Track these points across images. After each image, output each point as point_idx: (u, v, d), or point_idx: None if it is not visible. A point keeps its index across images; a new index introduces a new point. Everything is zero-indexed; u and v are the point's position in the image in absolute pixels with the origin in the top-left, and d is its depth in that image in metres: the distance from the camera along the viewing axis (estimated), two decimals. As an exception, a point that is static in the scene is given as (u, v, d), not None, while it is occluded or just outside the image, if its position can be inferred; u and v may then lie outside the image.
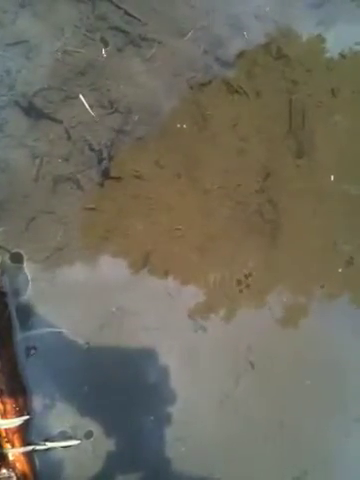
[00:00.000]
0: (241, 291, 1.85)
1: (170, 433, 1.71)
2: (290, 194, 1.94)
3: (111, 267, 1.72)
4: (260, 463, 1.79)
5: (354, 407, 1.87)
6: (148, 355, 1.73)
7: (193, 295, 1.79)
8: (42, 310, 1.58)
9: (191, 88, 1.79)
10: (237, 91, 1.89)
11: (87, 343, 1.57)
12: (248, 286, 1.86)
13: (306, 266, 1.93)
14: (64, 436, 1.54)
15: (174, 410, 1.72)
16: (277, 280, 1.89)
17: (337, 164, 1.97)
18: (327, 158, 1.97)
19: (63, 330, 1.52)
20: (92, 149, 1.64)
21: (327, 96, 2.00)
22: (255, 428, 1.80)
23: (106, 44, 1.60)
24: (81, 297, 1.66)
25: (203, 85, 1.82)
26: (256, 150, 1.91)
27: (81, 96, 1.56)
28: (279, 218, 1.92)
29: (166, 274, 1.77)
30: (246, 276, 1.83)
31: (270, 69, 1.94)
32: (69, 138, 1.62)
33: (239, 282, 1.84)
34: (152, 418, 1.65)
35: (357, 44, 2.10)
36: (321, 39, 2.05)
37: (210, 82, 1.85)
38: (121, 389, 1.69)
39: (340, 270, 1.91)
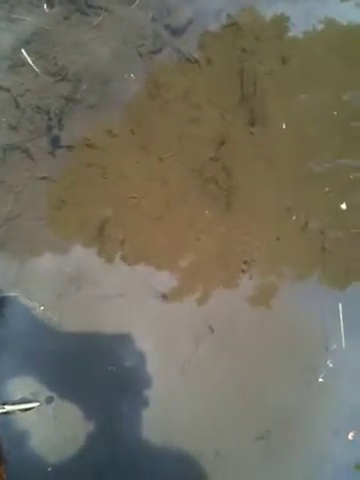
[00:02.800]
0: (198, 257, 1.93)
1: (132, 397, 1.78)
2: (244, 161, 2.03)
3: (66, 236, 1.78)
4: (222, 424, 1.87)
5: (316, 368, 1.93)
6: (108, 322, 1.81)
7: (150, 262, 1.87)
8: (-4, 279, 1.64)
9: (140, 56, 1.85)
10: (188, 59, 1.96)
11: (42, 307, 1.64)
12: (204, 252, 1.94)
13: (261, 231, 2.02)
14: (24, 402, 1.60)
15: (135, 375, 1.79)
16: (232, 246, 1.98)
17: (289, 131, 2.07)
18: (279, 125, 2.07)
19: (18, 295, 1.58)
20: (41, 117, 1.69)
21: (277, 64, 2.09)
22: (217, 391, 1.88)
23: (51, 5, 1.64)
24: (36, 266, 1.72)
25: (153, 53, 1.88)
26: (209, 118, 2.00)
27: (23, 51, 1.61)
28: (234, 185, 2.00)
29: (122, 243, 1.85)
30: (200, 241, 1.92)
31: (220, 37, 2.02)
32: (17, 106, 1.67)
33: (194, 249, 1.93)
34: (114, 368, 1.73)
35: (320, 22, 2.20)
36: (283, 16, 2.15)
37: (160, 50, 1.91)
38: (81, 355, 1.77)
39: (295, 232, 2.00)
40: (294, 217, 1.99)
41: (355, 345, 1.89)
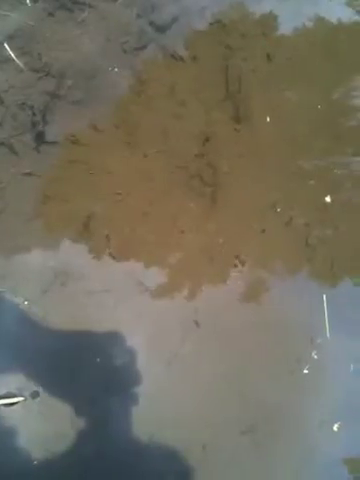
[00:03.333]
0: (184, 253, 1.97)
1: (119, 392, 1.82)
2: (229, 158, 2.07)
3: (51, 232, 1.80)
4: (207, 418, 1.90)
5: (301, 362, 1.98)
6: (94, 318, 1.84)
7: (136, 258, 1.90)
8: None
9: (125, 52, 1.88)
10: (173, 56, 2.00)
11: (26, 302, 1.67)
12: (190, 248, 1.98)
13: (247, 227, 2.05)
14: (9, 396, 1.62)
15: (122, 370, 1.82)
16: (218, 242, 2.02)
17: (274, 128, 2.11)
18: (264, 122, 2.11)
19: (3, 290, 1.61)
20: (26, 113, 1.71)
21: (262, 61, 2.13)
22: (203, 385, 1.91)
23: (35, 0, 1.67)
24: (21, 261, 1.74)
25: (138, 49, 1.91)
26: (194, 114, 2.04)
27: (7, 46, 1.63)
28: (219, 182, 2.04)
29: (108, 238, 1.87)
30: (186, 237, 1.95)
31: (205, 34, 2.06)
32: (1, 102, 1.69)
33: (180, 245, 1.96)
34: (98, 360, 1.77)
35: (310, 20, 2.24)
36: (270, 13, 2.19)
37: (145, 46, 1.94)
38: (67, 350, 1.80)
39: (281, 228, 2.04)
40: (279, 209, 2.03)
41: (339, 336, 1.94)
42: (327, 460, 1.89)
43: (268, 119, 2.04)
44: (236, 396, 1.91)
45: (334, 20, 2.27)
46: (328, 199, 2.08)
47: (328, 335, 1.92)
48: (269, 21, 2.22)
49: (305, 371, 1.91)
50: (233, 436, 1.89)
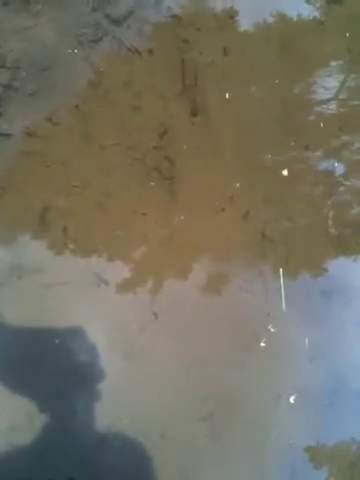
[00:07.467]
0: (141, 246, 2.14)
1: (77, 382, 1.97)
2: (187, 151, 2.26)
3: (6, 224, 1.94)
4: (166, 407, 2.06)
5: (257, 351, 2.16)
6: (51, 311, 1.98)
7: (92, 250, 2.06)
8: None
9: (81, 44, 2.03)
10: (129, 49, 2.16)
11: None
12: (148, 241, 2.15)
13: (205, 220, 2.25)
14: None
15: (80, 362, 1.97)
16: (176, 236, 2.20)
17: (230, 122, 2.31)
18: (221, 116, 2.31)
19: None
20: (-21, 105, 1.84)
21: (219, 55, 2.33)
22: (160, 374, 2.08)
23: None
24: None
25: (94, 42, 2.07)
26: (151, 107, 2.21)
27: None
28: (177, 175, 2.23)
29: (64, 230, 2.02)
30: (145, 231, 2.13)
31: (161, 28, 2.24)
32: None
33: (137, 238, 2.13)
34: (57, 341, 1.93)
35: (272, 16, 2.45)
36: (229, 8, 2.38)
37: (101, 39, 2.10)
38: (24, 345, 1.93)
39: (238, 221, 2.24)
40: (235, 202, 2.23)
41: (295, 309, 2.15)
42: (287, 446, 2.09)
43: (227, 96, 2.21)
44: (194, 383, 2.08)
45: (294, 16, 2.48)
46: (285, 173, 2.29)
47: (284, 308, 2.15)
48: (226, 15, 2.42)
49: (262, 344, 2.12)
50: (192, 423, 2.07)
